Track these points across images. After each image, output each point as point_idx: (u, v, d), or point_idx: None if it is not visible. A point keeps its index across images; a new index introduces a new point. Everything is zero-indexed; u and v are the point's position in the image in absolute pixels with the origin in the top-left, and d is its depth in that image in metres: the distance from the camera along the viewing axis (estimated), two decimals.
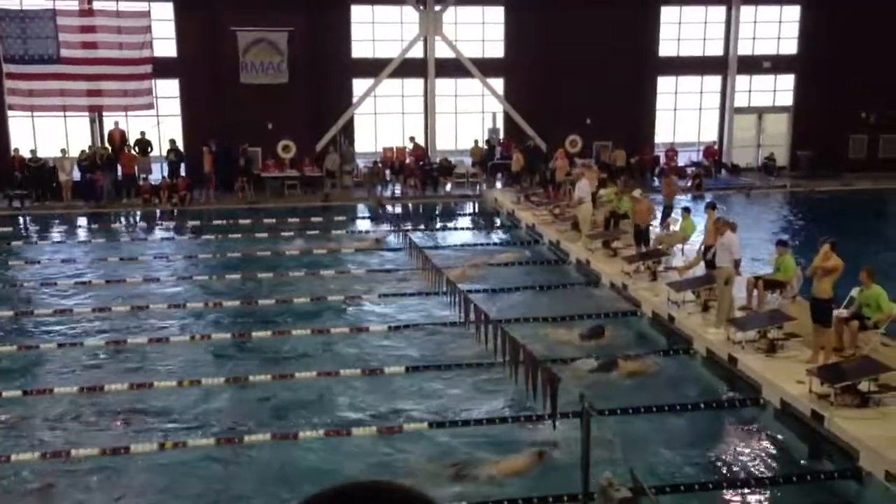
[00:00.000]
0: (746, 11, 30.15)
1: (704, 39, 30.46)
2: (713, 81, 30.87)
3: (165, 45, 26.58)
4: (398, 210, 24.93)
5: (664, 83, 30.32)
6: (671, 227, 18.07)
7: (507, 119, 29.15)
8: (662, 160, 29.44)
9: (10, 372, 11.90)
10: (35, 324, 14.11)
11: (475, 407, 10.82)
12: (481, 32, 29.03)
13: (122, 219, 24.36)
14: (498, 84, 28.93)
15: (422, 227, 22.67)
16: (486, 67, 28.31)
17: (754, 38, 30.63)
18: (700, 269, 14.77)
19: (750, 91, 31.17)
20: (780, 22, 30.64)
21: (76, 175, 25.17)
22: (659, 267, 15.80)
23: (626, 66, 28.40)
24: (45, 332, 13.65)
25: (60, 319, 14.22)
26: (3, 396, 10.76)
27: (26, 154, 25.25)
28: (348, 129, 28.08)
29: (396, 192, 27.09)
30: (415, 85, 28.99)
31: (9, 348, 12.74)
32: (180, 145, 26.44)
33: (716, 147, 30.75)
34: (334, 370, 11.79)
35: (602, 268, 16.66)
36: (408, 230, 20.76)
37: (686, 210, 17.03)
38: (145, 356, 12.53)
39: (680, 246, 17.09)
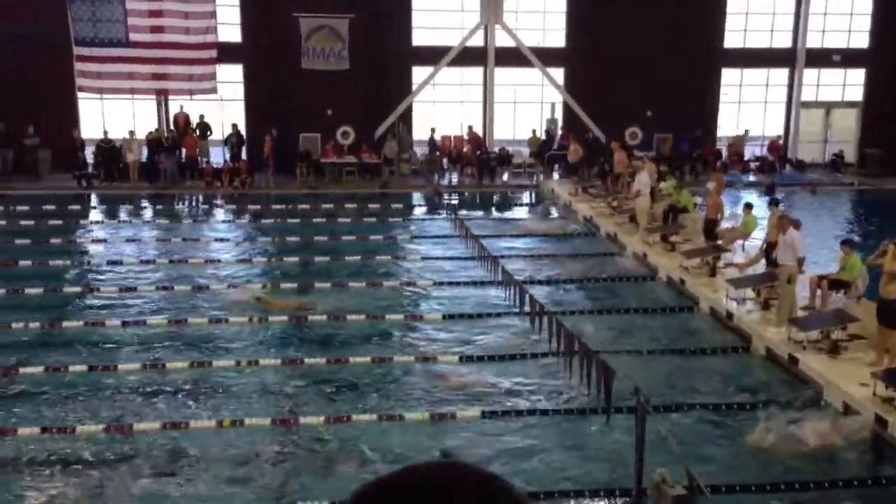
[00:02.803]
0: (816, 3, 29.36)
1: (772, 31, 29.76)
2: (780, 74, 30.16)
3: (230, 30, 26.98)
4: (454, 199, 24.92)
5: (728, 75, 29.72)
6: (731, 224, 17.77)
7: (567, 109, 28.91)
8: (724, 154, 28.93)
9: (76, 347, 12.26)
10: (101, 301, 14.50)
11: (528, 398, 10.81)
12: (542, 21, 28.81)
13: (185, 201, 24.86)
14: (558, 74, 28.70)
15: (478, 215, 22.67)
16: (547, 57, 28.10)
17: (824, 31, 29.82)
18: (761, 267, 14.50)
19: (818, 85, 30.38)
20: (852, 14, 29.77)
21: (143, 156, 25.76)
22: (719, 263, 15.55)
23: (690, 57, 27.93)
24: (111, 309, 14.01)
25: (125, 297, 14.60)
26: (70, 371, 11.09)
27: (95, 136, 25.93)
28: (407, 117, 28.18)
29: (453, 180, 27.12)
30: (474, 73, 28.93)
31: (76, 324, 13.12)
32: (242, 130, 26.85)
33: (781, 142, 30.07)
34: (388, 356, 11.89)
35: (659, 262, 16.47)
36: (464, 218, 20.77)
37: (748, 206, 16.71)
38: (205, 335, 12.79)
39: (741, 242, 16.80)
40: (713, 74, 29.23)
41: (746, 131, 29.69)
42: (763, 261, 14.52)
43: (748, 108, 30.44)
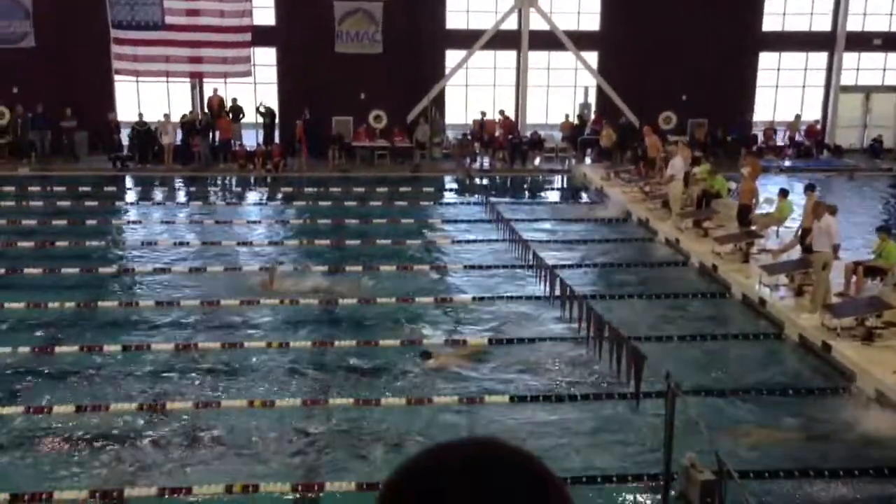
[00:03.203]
0: None
1: (812, 14, 29.20)
2: (819, 58, 29.60)
3: (264, 13, 27.06)
4: (486, 182, 24.85)
5: (766, 59, 29.23)
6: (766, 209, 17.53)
7: (600, 94, 28.65)
8: (760, 139, 28.51)
9: (111, 326, 12.46)
10: (135, 281, 14.71)
11: (557, 382, 10.80)
12: (577, 4, 28.52)
13: (219, 183, 25.07)
14: (592, 58, 28.42)
15: (509, 199, 22.59)
16: (581, 40, 27.83)
17: (865, 14, 29.17)
18: (795, 253, 14.31)
19: (858, 69, 29.77)
20: None
21: (178, 139, 26.01)
22: (752, 249, 15.37)
23: (726, 40, 27.50)
24: (145, 289, 14.21)
25: (159, 278, 14.78)
26: (104, 350, 11.27)
27: (131, 118, 26.22)
28: (439, 101, 28.11)
29: (485, 164, 27.04)
30: (507, 57, 28.76)
31: (111, 304, 13.33)
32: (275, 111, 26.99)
33: (818, 126, 29.56)
34: (418, 339, 11.93)
35: (692, 247, 16.31)
36: (496, 203, 20.70)
37: (783, 191, 16.47)
38: (237, 316, 12.93)
39: (775, 228, 16.58)
40: (750, 58, 28.76)
41: (798, 116, 29.17)
42: (798, 247, 14.32)
43: (785, 92, 29.93)
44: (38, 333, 12.03)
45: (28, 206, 20.14)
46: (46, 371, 10.82)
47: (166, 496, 7.97)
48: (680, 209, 18.19)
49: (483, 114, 27.79)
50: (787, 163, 27.49)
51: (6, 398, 10.03)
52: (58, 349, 11.33)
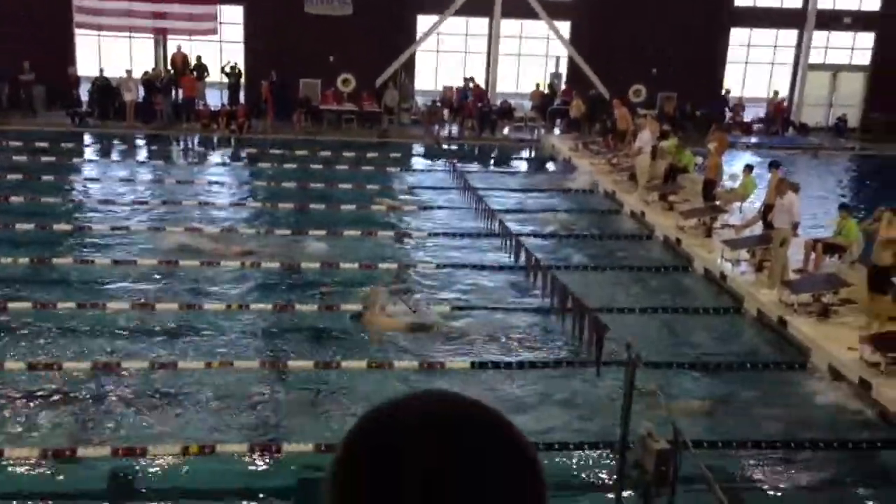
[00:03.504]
0: None
1: None
2: (789, 35, 29.73)
3: None
4: (454, 150, 24.69)
5: (737, 35, 29.29)
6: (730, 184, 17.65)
7: (571, 64, 28.55)
8: (728, 115, 28.65)
9: (66, 284, 12.22)
10: (92, 240, 14.41)
11: (518, 350, 10.82)
12: None
13: (181, 142, 24.63)
14: (564, 27, 28.27)
15: (476, 168, 22.50)
16: (554, 9, 27.64)
17: None
18: (758, 229, 14.43)
19: (826, 48, 29.98)
20: None
21: (140, 96, 25.45)
22: (715, 224, 15.47)
23: (699, 15, 27.50)
24: (102, 248, 13.93)
25: (116, 237, 14.50)
26: (58, 308, 11.05)
27: (91, 73, 25.59)
28: (409, 66, 27.80)
29: (454, 132, 26.87)
30: (479, 24, 28.49)
31: (66, 261, 13.05)
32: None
33: (784, 104, 29.77)
34: (381, 303, 11.83)
35: (657, 220, 16.38)
36: (463, 171, 20.62)
37: (748, 167, 16.58)
38: (196, 278, 12.74)
39: (739, 204, 16.70)
40: (721, 33, 28.82)
41: (776, 92, 29.31)
42: (760, 223, 14.44)
43: (754, 69, 30.07)
44: None
45: None
46: None
47: (120, 456, 7.85)
48: (646, 182, 18.25)
49: (469, 79, 27.50)
50: (754, 139, 27.67)
51: None
52: (10, 305, 11.08)
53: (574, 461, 8.34)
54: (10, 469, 7.62)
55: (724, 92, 28.61)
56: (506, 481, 0.99)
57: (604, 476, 8.07)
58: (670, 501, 6.70)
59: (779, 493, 8.10)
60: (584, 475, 8.19)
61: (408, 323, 11.23)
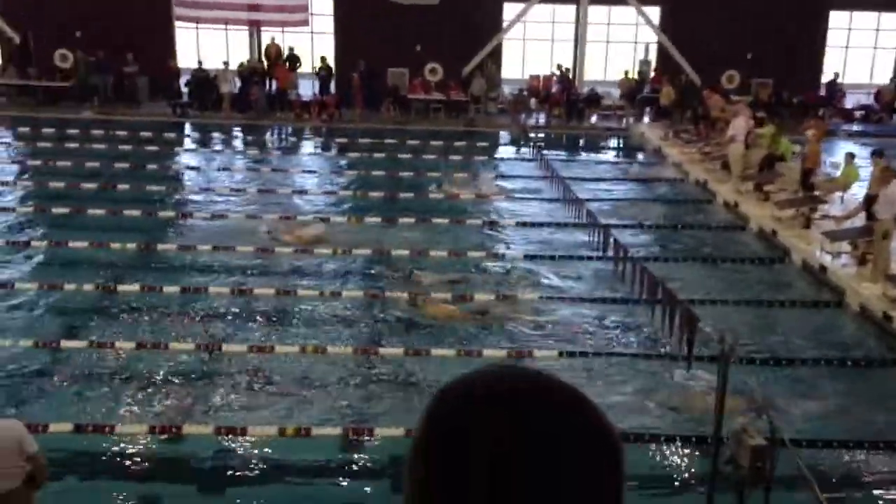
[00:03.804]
0: None
1: None
2: (891, 19, 28.48)
3: None
4: (541, 139, 24.57)
5: (836, 18, 28.21)
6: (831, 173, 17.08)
7: (661, 51, 28.01)
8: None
9: (170, 269, 12.72)
10: (193, 226, 14.94)
11: (607, 341, 10.77)
12: None
13: (275, 132, 25.24)
14: (654, 13, 27.75)
15: (564, 156, 22.36)
16: None
17: None
18: (859, 220, 13.95)
19: None
20: None
21: (236, 87, 26.19)
22: (814, 215, 15.01)
23: None
24: (203, 234, 14.41)
25: (216, 223, 15.00)
26: (163, 291, 11.53)
27: (190, 65, 26.46)
28: (496, 55, 27.77)
29: (541, 120, 26.73)
30: (566, 11, 28.23)
31: (170, 247, 13.58)
32: (331, 62, 26.97)
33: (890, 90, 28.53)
34: (469, 294, 11.94)
35: (751, 211, 15.99)
36: (550, 160, 20.52)
37: (850, 156, 16.01)
38: (291, 264, 13.09)
39: (840, 193, 16.15)
40: (820, 16, 27.79)
41: (893, 79, 28.24)
42: (862, 214, 13.94)
43: (855, 53, 28.94)
44: (101, 272, 12.34)
45: (91, 149, 20.52)
46: (109, 308, 11.12)
47: (222, 435, 8.18)
48: (740, 172, 17.81)
49: (560, 66, 27.34)
50: (856, 127, 26.65)
51: (71, 333, 10.34)
52: (119, 288, 11.62)
53: (664, 455, 8.27)
54: (120, 444, 8.02)
55: (833, 77, 27.52)
56: (581, 468, 0.93)
57: (696, 472, 7.98)
58: (766, 500, 6.58)
59: (881, 501, 7.84)
60: (674, 470, 8.12)
61: (463, 310, 11.31)
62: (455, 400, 0.98)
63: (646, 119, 26.83)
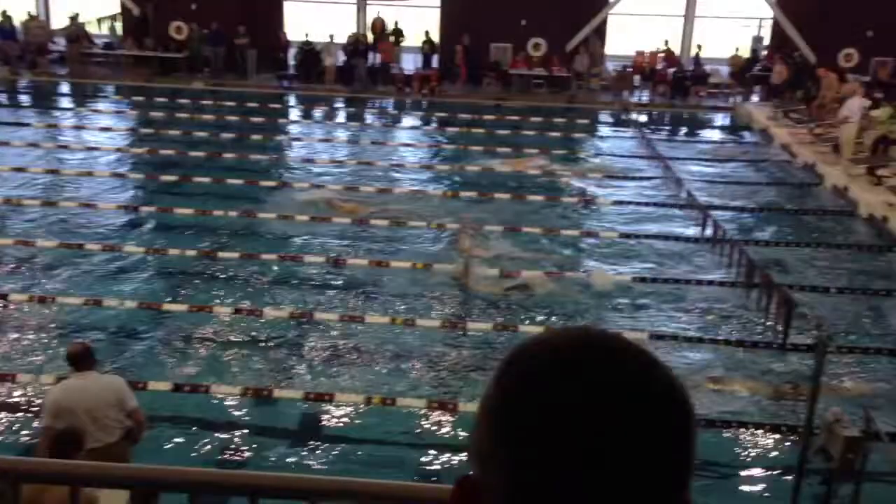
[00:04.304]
0: None
1: None
2: None
3: None
4: (643, 118, 24.04)
5: None
6: None
7: (776, 27, 26.88)
8: None
9: (268, 236, 13.13)
10: (291, 197, 15.27)
11: (702, 324, 10.54)
12: None
13: (377, 104, 25.55)
14: None
15: (666, 135, 21.84)
16: None
17: None
18: None
19: None
20: None
21: (340, 61, 26.59)
22: None
23: None
24: (306, 204, 14.68)
25: (314, 193, 15.33)
26: (262, 258, 11.91)
27: (297, 38, 27.01)
28: (601, 31, 27.25)
29: (644, 98, 26.14)
30: None
31: (270, 216, 13.97)
32: (435, 37, 27.04)
33: None
34: (559, 272, 11.88)
35: (862, 196, 15.26)
36: (652, 139, 20.09)
37: None
38: (385, 237, 13.29)
39: None
40: None
41: None
42: None
43: None
44: (205, 238, 12.84)
45: (200, 119, 21.27)
46: (210, 273, 11.58)
47: (311, 400, 8.44)
48: (852, 154, 17.01)
49: (699, 47, 26.60)
50: None
51: (173, 295, 10.82)
52: (220, 254, 12.06)
53: (754, 442, 8.07)
54: (214, 402, 8.38)
55: None
56: (650, 433, 0.93)
57: (785, 460, 7.76)
58: (855, 492, 6.36)
59: None
60: (763, 457, 7.92)
61: (503, 286, 11.27)
62: (525, 363, 0.98)
63: (754, 98, 25.86)
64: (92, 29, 28.33)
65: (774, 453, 7.96)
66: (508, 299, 11.05)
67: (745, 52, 27.10)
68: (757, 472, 7.78)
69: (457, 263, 11.81)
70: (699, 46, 26.89)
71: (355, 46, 26.64)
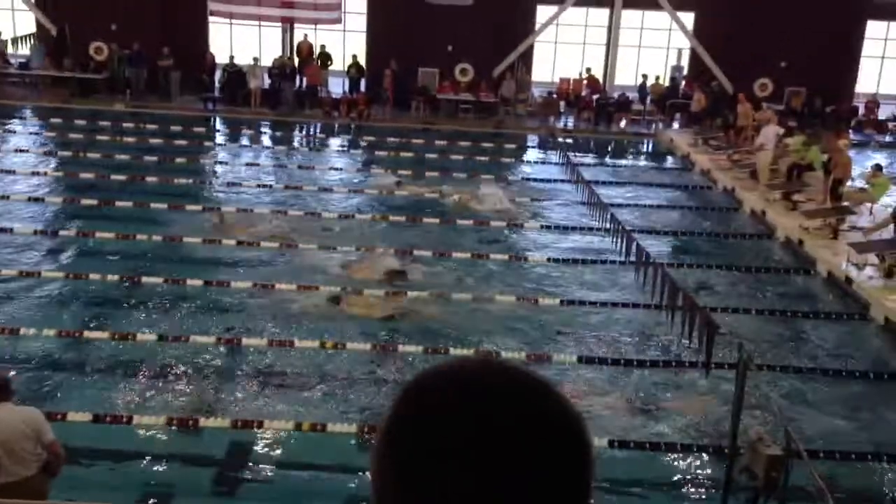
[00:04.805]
0: None
1: None
2: None
3: None
4: (569, 142, 24.47)
5: (873, 28, 27.82)
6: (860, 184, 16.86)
7: (693, 57, 27.80)
8: (861, 111, 27.28)
9: (193, 261, 12.84)
10: (215, 222, 14.96)
11: (627, 347, 10.72)
12: None
13: (303, 129, 25.38)
14: (688, 18, 27.55)
15: (591, 161, 22.27)
16: (677, 0, 26.96)
17: None
18: (888, 233, 13.76)
19: None
20: None
21: (266, 83, 26.36)
22: (842, 225, 14.83)
23: (833, 6, 26.24)
24: (226, 228, 14.49)
25: (244, 216, 15.09)
26: (187, 284, 11.64)
27: (222, 60, 26.68)
28: (527, 57, 27.72)
29: (570, 124, 26.64)
30: (600, 15, 28.12)
31: (195, 240, 13.62)
32: (362, 61, 27.08)
33: None
34: (489, 295, 11.94)
35: (778, 220, 15.83)
36: (577, 164, 20.43)
37: (878, 167, 15.81)
38: (314, 260, 13.16)
39: (869, 205, 15.94)
40: (857, 26, 27.43)
41: None
42: (891, 226, 13.76)
43: (891, 64, 28.54)
44: (127, 263, 12.48)
45: (122, 142, 20.76)
46: (133, 300, 11.26)
47: (239, 428, 8.24)
48: (768, 180, 17.65)
49: (644, 76, 27.10)
50: (888, 138, 26.26)
51: (94, 323, 10.48)
52: (144, 279, 11.75)
53: (680, 462, 8.23)
54: (137, 433, 8.12)
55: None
56: (544, 460, 0.94)
57: (710, 480, 7.93)
58: None
59: None
60: (690, 477, 8.07)
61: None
62: (423, 393, 1.00)
63: (675, 125, 26.64)
64: (7, 49, 27.47)
65: (700, 472, 8.12)
66: (432, 323, 11.04)
67: (665, 81, 27.89)
68: (684, 491, 7.92)
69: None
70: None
71: (282, 69, 26.47)
